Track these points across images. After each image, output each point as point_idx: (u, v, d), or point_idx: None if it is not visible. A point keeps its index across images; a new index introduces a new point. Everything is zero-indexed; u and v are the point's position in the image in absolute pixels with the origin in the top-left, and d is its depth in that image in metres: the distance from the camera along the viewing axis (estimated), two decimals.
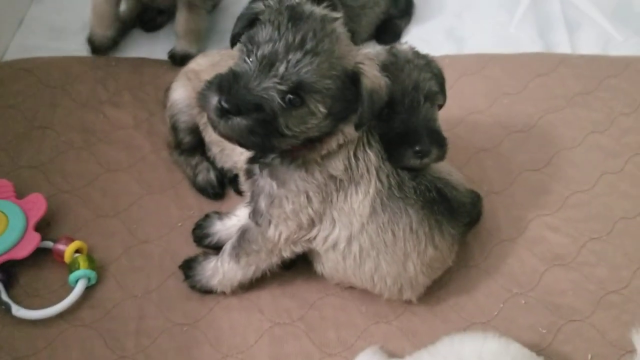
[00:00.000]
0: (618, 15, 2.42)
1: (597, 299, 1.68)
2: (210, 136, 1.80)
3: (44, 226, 1.74)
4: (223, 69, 1.77)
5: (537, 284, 1.70)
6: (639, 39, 2.35)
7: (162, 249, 1.75)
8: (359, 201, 1.44)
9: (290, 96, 1.22)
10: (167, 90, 2.01)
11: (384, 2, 2.23)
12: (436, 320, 1.64)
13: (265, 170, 1.43)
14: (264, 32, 1.23)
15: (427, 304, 1.66)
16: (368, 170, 1.43)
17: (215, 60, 1.84)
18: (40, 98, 2.07)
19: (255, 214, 1.48)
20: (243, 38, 1.30)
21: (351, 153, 1.41)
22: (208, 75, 1.80)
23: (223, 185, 1.88)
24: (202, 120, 1.79)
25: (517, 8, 2.42)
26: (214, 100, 1.23)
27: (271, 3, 1.29)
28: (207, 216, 1.79)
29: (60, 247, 1.67)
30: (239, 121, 1.22)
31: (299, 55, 1.21)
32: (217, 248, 1.71)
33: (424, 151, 1.45)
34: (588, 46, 2.32)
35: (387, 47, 1.56)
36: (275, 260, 1.56)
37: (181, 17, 2.16)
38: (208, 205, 1.84)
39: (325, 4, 1.97)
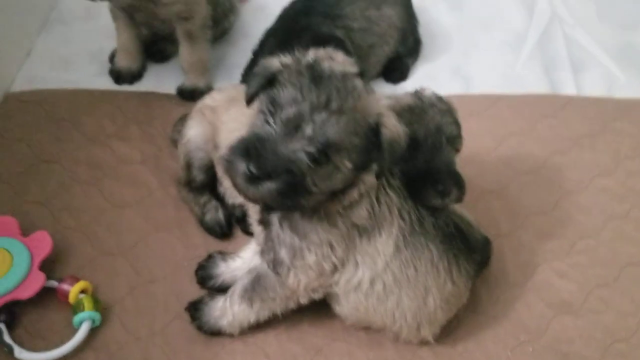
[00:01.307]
0: (623, 55, 2.44)
1: (604, 347, 1.68)
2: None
3: (48, 264, 1.72)
4: (240, 104, 1.79)
5: (545, 332, 1.69)
6: None
7: (168, 289, 1.73)
8: (382, 242, 1.45)
9: (318, 156, 1.22)
10: (176, 125, 2.02)
11: (392, 41, 2.24)
12: None
13: (285, 223, 1.42)
14: (286, 94, 1.22)
15: (435, 351, 1.64)
16: (390, 211, 1.44)
17: (231, 95, 1.85)
18: (47, 131, 2.06)
19: (275, 264, 1.47)
20: (262, 98, 1.29)
21: (373, 199, 1.42)
22: (225, 111, 1.83)
23: (231, 225, 1.87)
24: (217, 155, 1.79)
25: (523, 47, 2.44)
26: (241, 166, 1.21)
27: (288, 62, 1.29)
28: (210, 257, 1.78)
29: (65, 287, 1.65)
30: (269, 186, 1.21)
31: (324, 115, 1.20)
32: (221, 290, 1.70)
33: (446, 191, 1.49)
34: (593, 86, 2.34)
35: (413, 91, 1.60)
36: (291, 305, 1.56)
37: (183, 50, 2.17)
38: (215, 245, 1.83)
39: (333, 45, 2.02)
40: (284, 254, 1.44)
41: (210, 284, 1.73)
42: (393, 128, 1.29)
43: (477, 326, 1.69)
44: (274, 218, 1.43)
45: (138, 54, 2.25)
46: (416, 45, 2.37)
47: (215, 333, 1.63)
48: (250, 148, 1.22)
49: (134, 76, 2.26)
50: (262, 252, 1.51)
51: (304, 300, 1.55)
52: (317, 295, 1.54)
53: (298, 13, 2.16)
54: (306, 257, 1.43)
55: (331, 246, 1.42)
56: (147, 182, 1.96)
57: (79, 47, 2.38)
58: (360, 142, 1.25)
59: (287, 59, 1.30)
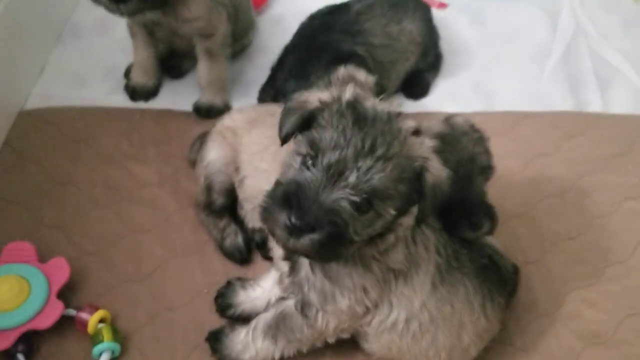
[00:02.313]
0: None
1: None
2: (244, 193, 1.76)
3: (66, 291, 1.68)
4: (261, 125, 1.73)
5: None
6: None
7: (187, 318, 1.69)
8: (419, 282, 1.40)
9: (362, 205, 1.15)
10: (193, 145, 1.97)
11: (413, 56, 2.19)
12: None
13: (316, 267, 1.36)
14: (327, 137, 1.15)
15: None
16: (427, 249, 1.39)
17: (251, 116, 1.80)
18: (62, 151, 2.03)
19: (303, 306, 1.42)
20: (300, 139, 1.22)
21: (409, 240, 1.36)
22: (246, 133, 1.78)
23: (250, 250, 1.82)
24: (238, 178, 1.75)
25: (547, 63, 2.38)
26: (282, 217, 1.14)
27: (327, 100, 1.21)
28: (229, 284, 1.72)
29: (84, 316, 1.61)
30: (311, 237, 1.14)
31: (369, 162, 1.12)
32: (240, 319, 1.66)
33: (479, 224, 1.45)
34: (620, 104, 2.28)
35: (443, 118, 1.56)
36: (318, 345, 1.51)
37: (202, 67, 2.12)
38: (234, 270, 1.79)
39: (355, 62, 1.97)
40: (313, 296, 1.38)
41: (230, 313, 1.69)
42: (437, 173, 1.21)
43: (504, 358, 1.64)
44: (303, 259, 1.37)
45: (154, 70, 2.21)
46: (437, 61, 2.32)
47: None
48: (290, 196, 1.14)
49: (150, 93, 2.22)
50: (288, 291, 1.46)
51: (331, 340, 1.50)
52: (345, 335, 1.49)
53: (317, 30, 2.11)
54: (338, 301, 1.37)
55: (365, 290, 1.36)
56: (164, 205, 1.92)
57: (94, 62, 2.34)
58: (406, 189, 1.18)
59: (325, 95, 1.22)
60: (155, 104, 2.22)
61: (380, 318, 1.43)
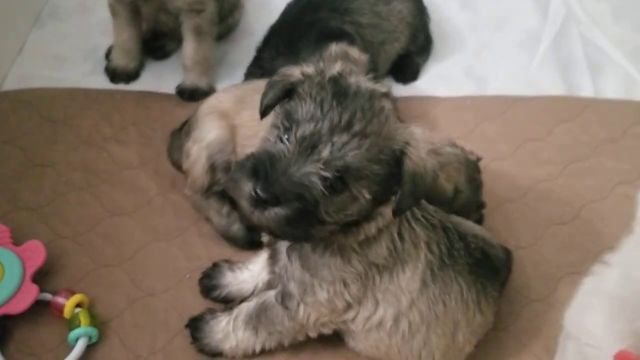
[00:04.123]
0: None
1: None
2: None
3: (42, 275, 1.61)
4: (249, 105, 1.66)
5: None
6: None
7: (169, 304, 1.63)
8: (407, 279, 1.33)
9: (333, 182, 1.08)
10: (172, 144, 1.87)
11: (403, 37, 2.14)
12: None
13: (293, 255, 1.30)
14: (304, 109, 1.09)
15: None
16: (416, 246, 1.32)
17: (237, 95, 1.74)
18: (40, 133, 1.96)
19: (283, 297, 1.37)
20: (278, 111, 1.16)
21: (395, 235, 1.29)
22: (237, 114, 1.69)
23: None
24: (235, 160, 1.68)
25: (538, 48, 2.35)
26: (247, 187, 1.08)
27: (310, 73, 1.15)
28: (216, 265, 1.66)
29: (60, 300, 1.55)
30: (276, 211, 1.08)
31: (345, 137, 1.07)
32: (225, 301, 1.60)
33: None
34: (611, 89, 2.25)
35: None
36: (300, 338, 1.45)
37: (188, 46, 2.06)
38: (218, 255, 1.72)
39: (345, 40, 1.91)
40: (293, 287, 1.33)
41: (214, 295, 1.62)
42: (419, 161, 1.13)
43: (497, 342, 1.60)
44: (282, 247, 1.31)
45: (136, 52, 2.14)
46: (427, 44, 2.27)
47: (217, 356, 1.52)
48: (258, 167, 1.08)
49: (131, 75, 2.15)
50: (270, 282, 1.41)
51: (313, 334, 1.45)
52: (327, 330, 1.44)
53: (304, 8, 2.05)
54: (317, 293, 1.31)
55: (345, 284, 1.30)
56: (145, 187, 1.85)
57: (73, 43, 2.26)
58: (382, 171, 1.11)
59: (309, 68, 1.16)
60: (137, 86, 2.15)
61: (366, 315, 1.37)
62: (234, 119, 1.68)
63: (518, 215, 1.86)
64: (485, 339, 1.58)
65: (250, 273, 1.61)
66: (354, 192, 1.11)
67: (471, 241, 1.42)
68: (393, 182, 1.14)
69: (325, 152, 1.07)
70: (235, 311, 1.49)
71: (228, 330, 1.49)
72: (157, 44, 2.22)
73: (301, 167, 1.07)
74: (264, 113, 1.20)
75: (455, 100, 2.16)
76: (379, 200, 1.17)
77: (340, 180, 1.09)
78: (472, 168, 1.63)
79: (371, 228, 1.24)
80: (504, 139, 2.05)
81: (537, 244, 1.80)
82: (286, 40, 1.97)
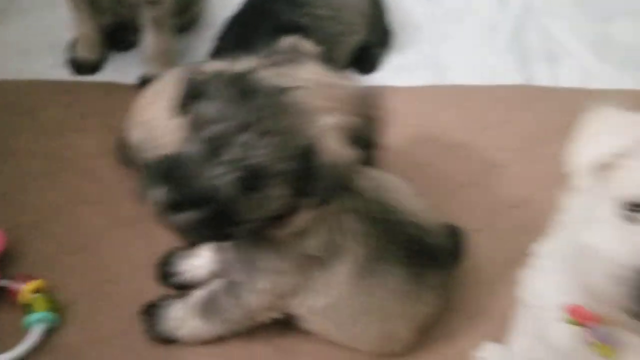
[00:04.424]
0: (599, 47, 2.39)
1: None
2: None
3: (1, 263, 1.62)
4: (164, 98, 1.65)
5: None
6: (619, 71, 2.33)
7: (128, 289, 1.64)
8: (343, 270, 1.34)
9: (245, 181, 1.07)
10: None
11: (360, 29, 2.16)
12: None
13: (234, 246, 1.32)
14: (211, 108, 1.07)
15: (411, 352, 1.57)
16: (352, 239, 1.33)
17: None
18: (3, 124, 1.96)
19: (229, 286, 1.39)
20: (189, 110, 1.13)
21: (329, 227, 1.30)
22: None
23: None
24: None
25: (497, 38, 2.39)
26: (156, 191, 1.06)
27: (220, 70, 1.13)
28: (171, 252, 1.67)
29: (16, 286, 1.56)
30: (187, 216, 1.07)
31: (252, 136, 1.05)
32: (183, 287, 1.62)
33: None
34: (568, 78, 2.30)
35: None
36: (250, 324, 1.48)
37: (148, 38, 2.06)
38: (180, 242, 1.73)
39: (299, 33, 1.93)
40: (237, 276, 1.36)
41: (172, 281, 1.64)
42: (331, 153, 1.11)
43: (450, 324, 1.63)
44: None
45: (99, 44, 2.16)
46: (386, 35, 2.30)
47: (172, 342, 1.54)
48: (168, 170, 1.06)
49: (94, 67, 2.16)
50: (218, 271, 1.44)
51: (263, 320, 1.47)
52: (276, 315, 1.46)
53: (262, 0, 2.07)
54: (259, 283, 1.34)
55: (283, 274, 1.32)
56: (106, 176, 1.86)
57: (38, 36, 2.27)
58: (298, 166, 1.09)
59: (220, 64, 1.16)
60: (101, 77, 2.17)
61: (308, 303, 1.39)
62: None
63: (476, 200, 1.90)
64: (434, 323, 1.61)
65: (204, 259, 1.63)
66: (269, 190, 1.11)
67: (409, 231, 1.42)
68: (310, 174, 1.13)
69: (234, 152, 1.05)
70: (189, 299, 1.51)
71: (182, 317, 1.51)
72: (119, 35, 2.23)
73: (210, 168, 1.06)
74: (174, 113, 1.18)
75: (414, 90, 2.19)
76: (301, 195, 1.15)
77: (253, 179, 1.08)
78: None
79: (301, 220, 1.23)
80: (462, 127, 2.09)
81: (494, 227, 1.84)
82: (243, 31, 1.99)
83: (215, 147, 1.06)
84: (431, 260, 1.46)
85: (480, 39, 2.40)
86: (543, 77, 2.29)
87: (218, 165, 1.06)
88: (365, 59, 2.25)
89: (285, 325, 1.57)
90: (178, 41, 2.19)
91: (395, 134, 2.06)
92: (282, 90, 1.11)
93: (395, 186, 1.51)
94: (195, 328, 1.50)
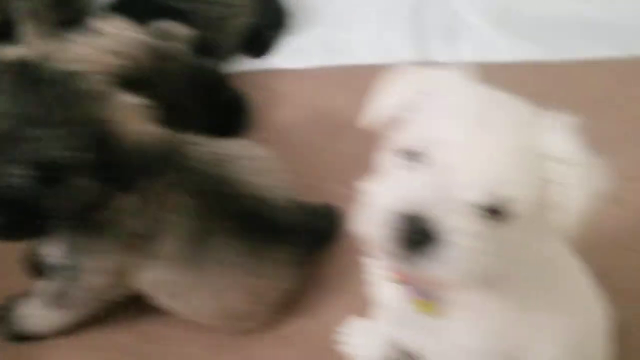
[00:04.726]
0: (500, 20, 2.36)
1: None
2: None
3: None
4: None
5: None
6: (522, 44, 2.29)
7: None
8: (168, 244, 1.33)
9: (42, 177, 1.05)
10: None
11: (247, 11, 2.12)
12: (283, 346, 1.54)
13: (67, 232, 1.29)
14: None
15: (274, 329, 1.55)
16: (176, 213, 1.31)
17: None
18: None
19: (70, 271, 1.36)
20: None
21: (150, 205, 1.28)
22: None
23: None
24: None
25: (395, 17, 2.36)
26: None
27: (10, 62, 1.10)
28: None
29: None
30: None
31: (41, 130, 1.02)
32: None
33: None
34: (468, 54, 2.26)
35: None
36: (100, 306, 1.45)
37: (27, 31, 2.01)
38: None
39: (175, 18, 1.91)
40: (70, 259, 1.33)
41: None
42: (128, 135, 1.11)
43: (317, 300, 1.61)
44: None
45: None
46: (279, 17, 2.27)
47: (27, 339, 1.50)
48: None
49: None
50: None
51: (113, 298, 1.44)
52: (125, 292, 1.43)
53: None
54: (95, 265, 1.32)
55: (114, 254, 1.30)
56: None
57: None
58: (97, 154, 1.08)
59: (14, 52, 1.13)
60: None
61: (148, 278, 1.37)
62: None
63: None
64: (305, 296, 1.59)
65: None
66: (74, 181, 1.09)
67: (244, 203, 1.40)
68: (116, 159, 1.12)
69: (24, 148, 1.03)
70: (37, 291, 1.47)
71: (35, 312, 1.47)
72: (5, 29, 2.19)
73: (2, 168, 1.03)
74: None
75: (308, 72, 2.17)
76: (111, 179, 1.14)
77: (52, 174, 1.06)
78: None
79: (121, 202, 1.22)
80: (353, 107, 2.04)
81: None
82: (124, 17, 1.95)
83: (4, 144, 1.03)
84: (271, 235, 1.43)
85: (377, 18, 2.36)
86: (442, 53, 2.25)
87: (8, 164, 1.03)
88: (257, 41, 2.21)
89: (149, 311, 1.54)
90: (63, 33, 2.14)
91: (286, 116, 2.07)
92: (70, 76, 1.08)
93: (247, 161, 1.48)
94: (51, 320, 1.47)
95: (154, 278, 1.37)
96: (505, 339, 1.13)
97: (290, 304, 1.58)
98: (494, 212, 0.84)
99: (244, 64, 2.18)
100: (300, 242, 1.51)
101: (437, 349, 1.17)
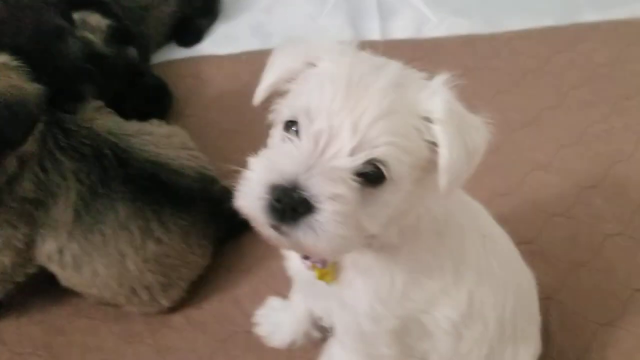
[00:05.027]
0: None
1: None
2: None
3: None
4: None
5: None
6: (454, 20, 2.26)
7: None
8: (60, 211, 1.31)
9: None
10: None
11: (170, 1, 2.09)
12: (195, 332, 1.49)
13: None
14: None
15: (186, 315, 1.51)
16: (64, 177, 1.30)
17: None
18: None
19: None
20: None
21: (37, 168, 1.27)
22: None
23: None
24: None
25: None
26: None
27: None
28: None
29: None
30: None
31: None
32: None
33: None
34: (402, 31, 2.23)
35: None
36: (10, 286, 1.41)
37: None
38: None
39: (94, 8, 1.87)
40: None
41: None
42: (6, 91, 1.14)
43: (229, 283, 1.57)
44: None
45: None
46: (210, 5, 2.24)
47: None
48: None
49: None
50: None
51: (20, 279, 1.40)
52: (32, 270, 1.40)
53: None
54: None
55: (10, 225, 1.28)
56: None
57: None
58: None
59: None
60: None
61: (40, 250, 1.34)
62: None
63: None
64: (216, 278, 1.55)
65: None
66: None
67: (138, 167, 1.38)
68: None
69: None
70: None
71: None
72: None
73: None
74: None
75: (231, 58, 2.14)
76: None
77: None
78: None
79: (6, 168, 1.22)
80: None
81: None
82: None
83: None
84: (169, 199, 1.40)
85: (311, 1, 2.34)
86: (375, 33, 2.22)
87: None
88: (186, 30, 2.18)
89: (55, 303, 1.53)
90: None
91: (212, 101, 2.04)
92: None
93: (153, 136, 1.48)
94: None
95: (57, 247, 1.33)
96: (399, 303, 1.09)
97: (206, 288, 1.54)
98: (369, 176, 0.82)
99: (175, 53, 2.16)
100: (204, 211, 1.47)
101: (341, 316, 1.14)
